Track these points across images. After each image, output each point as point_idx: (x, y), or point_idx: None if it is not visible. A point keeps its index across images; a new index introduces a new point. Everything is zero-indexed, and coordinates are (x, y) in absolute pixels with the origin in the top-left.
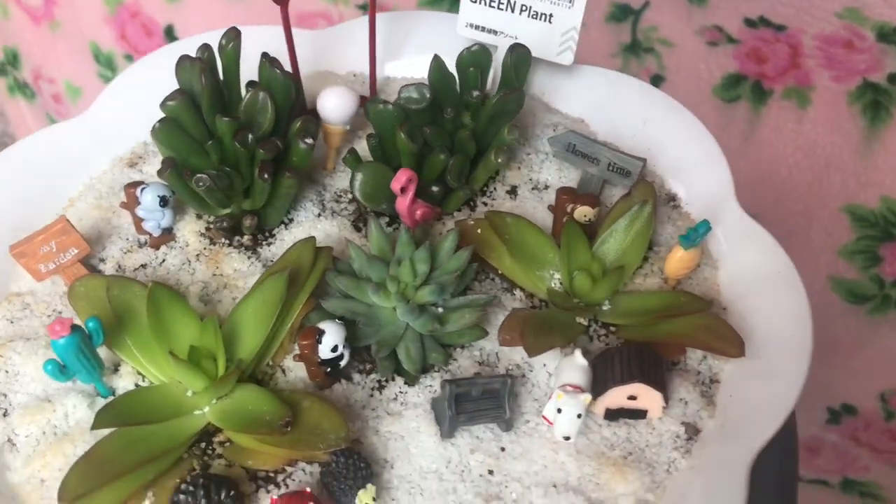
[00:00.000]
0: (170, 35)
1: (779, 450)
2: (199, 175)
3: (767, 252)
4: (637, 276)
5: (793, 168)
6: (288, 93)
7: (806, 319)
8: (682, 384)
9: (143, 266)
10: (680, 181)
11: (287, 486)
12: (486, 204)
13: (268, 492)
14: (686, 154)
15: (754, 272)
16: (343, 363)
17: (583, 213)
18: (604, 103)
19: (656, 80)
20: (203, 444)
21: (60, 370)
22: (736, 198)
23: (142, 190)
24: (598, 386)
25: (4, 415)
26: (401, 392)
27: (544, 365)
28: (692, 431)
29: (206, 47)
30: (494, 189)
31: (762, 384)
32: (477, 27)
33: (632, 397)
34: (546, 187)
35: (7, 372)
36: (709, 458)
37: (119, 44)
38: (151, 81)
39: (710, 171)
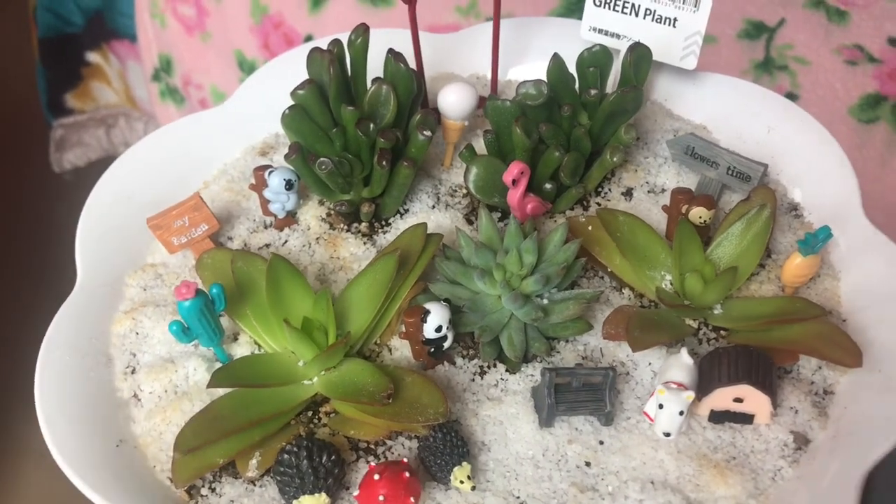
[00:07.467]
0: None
1: None
2: (322, 159)
3: (893, 264)
4: (752, 283)
5: None
6: (410, 87)
7: None
8: (794, 392)
9: (267, 245)
10: (803, 190)
11: (386, 457)
12: (599, 204)
13: (367, 462)
14: (811, 163)
15: (877, 285)
16: (446, 345)
17: (698, 214)
18: (727, 111)
19: (789, 99)
20: (310, 413)
21: (183, 331)
22: (863, 208)
23: (270, 173)
24: (703, 386)
25: (133, 372)
26: (502, 379)
27: (649, 363)
28: (801, 441)
29: (336, 42)
30: (609, 190)
31: (880, 399)
32: (600, 31)
33: (738, 399)
34: (663, 191)
35: (137, 334)
36: (818, 470)
37: (262, 52)
38: (284, 78)
39: (836, 180)
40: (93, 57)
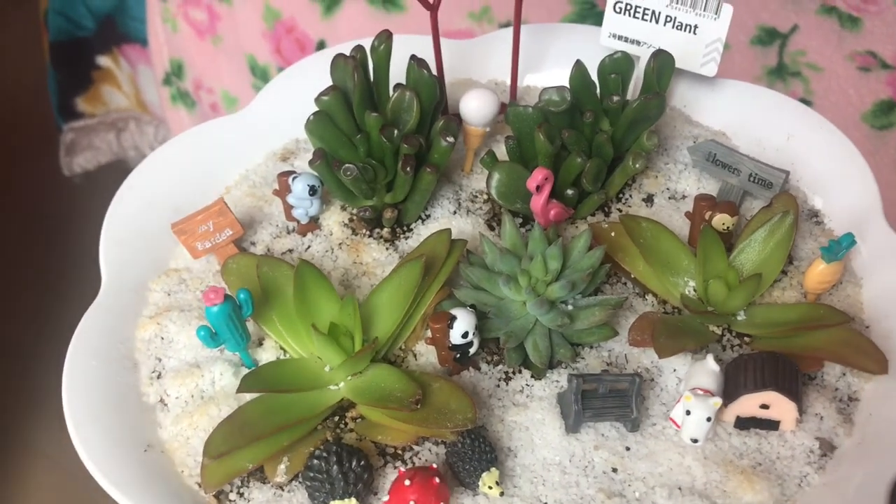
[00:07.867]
0: (321, 50)
1: None
2: (347, 165)
3: None
4: (775, 290)
5: None
6: (433, 93)
7: None
8: (819, 399)
9: (290, 251)
10: (823, 197)
11: (413, 463)
12: (620, 210)
13: (395, 467)
14: (831, 169)
15: None
16: (472, 350)
17: (721, 220)
18: (746, 117)
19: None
20: (336, 419)
21: (211, 336)
22: (884, 215)
23: (293, 179)
24: (729, 392)
25: (158, 377)
26: (527, 385)
27: (674, 370)
28: (827, 447)
29: (359, 48)
30: (630, 196)
31: None
32: (620, 37)
33: (764, 406)
34: (683, 197)
35: (163, 339)
36: (845, 477)
37: (274, 57)
38: (304, 84)
39: (857, 187)
40: (104, 61)
